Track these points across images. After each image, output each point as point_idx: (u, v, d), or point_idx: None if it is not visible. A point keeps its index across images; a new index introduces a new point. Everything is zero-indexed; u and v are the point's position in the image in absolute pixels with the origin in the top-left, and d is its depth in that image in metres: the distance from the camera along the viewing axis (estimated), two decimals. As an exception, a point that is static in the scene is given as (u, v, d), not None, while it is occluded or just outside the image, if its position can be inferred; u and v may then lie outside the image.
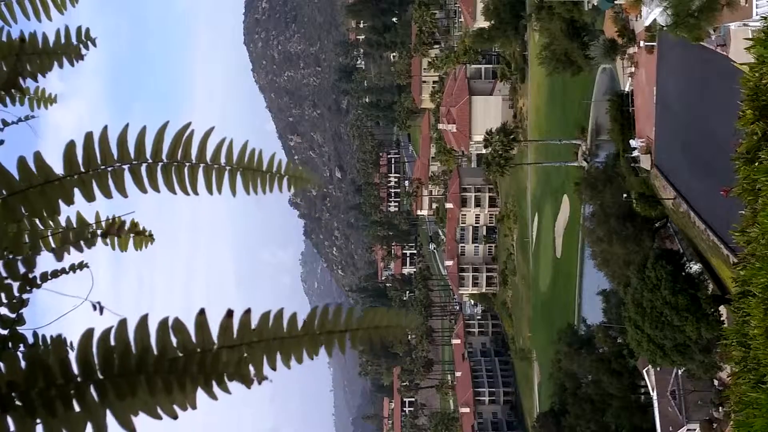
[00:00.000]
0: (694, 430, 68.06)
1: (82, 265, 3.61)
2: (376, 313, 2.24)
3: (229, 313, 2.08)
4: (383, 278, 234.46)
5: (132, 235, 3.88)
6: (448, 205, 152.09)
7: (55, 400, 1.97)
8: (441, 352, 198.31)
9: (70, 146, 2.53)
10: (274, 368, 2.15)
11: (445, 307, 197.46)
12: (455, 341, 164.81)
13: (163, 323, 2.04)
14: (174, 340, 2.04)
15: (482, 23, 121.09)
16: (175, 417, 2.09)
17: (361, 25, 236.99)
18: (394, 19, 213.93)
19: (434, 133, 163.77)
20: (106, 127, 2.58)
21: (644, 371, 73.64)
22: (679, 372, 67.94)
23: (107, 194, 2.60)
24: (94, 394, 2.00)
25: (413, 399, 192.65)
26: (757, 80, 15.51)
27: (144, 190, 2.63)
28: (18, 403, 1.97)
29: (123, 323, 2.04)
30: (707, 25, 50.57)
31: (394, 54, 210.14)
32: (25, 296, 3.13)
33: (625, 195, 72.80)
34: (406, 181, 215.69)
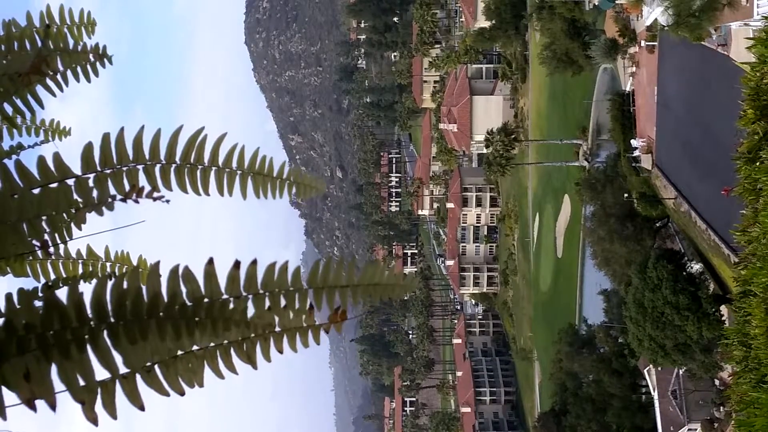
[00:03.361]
0: (695, 429, 68.03)
1: (92, 274, 3.73)
2: (376, 268, 2.32)
3: (237, 264, 2.19)
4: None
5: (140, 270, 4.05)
6: (449, 205, 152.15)
7: (69, 342, 2.07)
8: (442, 352, 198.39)
9: (88, 147, 2.65)
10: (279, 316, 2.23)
11: (446, 307, 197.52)
12: (456, 341, 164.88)
13: (174, 271, 2.14)
14: (183, 289, 2.15)
15: (483, 23, 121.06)
16: (182, 393, 2.17)
17: (362, 25, 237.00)
18: (395, 19, 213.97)
19: (435, 133, 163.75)
20: (122, 129, 2.68)
21: (645, 371, 73.64)
22: (680, 372, 67.94)
23: (122, 192, 2.73)
24: (107, 338, 2.10)
25: (414, 399, 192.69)
26: (758, 80, 15.51)
27: (157, 189, 2.76)
28: (34, 345, 2.06)
29: (135, 270, 2.14)
30: (708, 24, 50.55)
31: (395, 54, 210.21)
32: (36, 303, 3.16)
33: (626, 195, 72.77)
34: (408, 180, 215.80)
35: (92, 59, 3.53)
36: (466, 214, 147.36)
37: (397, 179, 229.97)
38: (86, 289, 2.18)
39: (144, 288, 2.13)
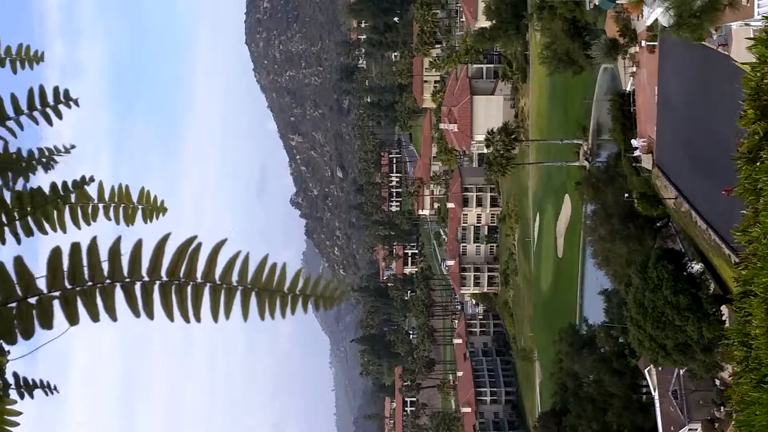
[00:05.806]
0: (696, 429, 68.00)
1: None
2: None
3: None
4: (385, 278, 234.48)
5: (140, 206, 3.59)
6: (450, 205, 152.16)
7: None
8: (442, 352, 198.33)
9: (55, 255, 2.19)
10: None
11: (447, 307, 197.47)
12: (457, 341, 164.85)
13: None
14: None
15: (484, 23, 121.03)
16: None
17: (363, 25, 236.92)
18: (396, 19, 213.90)
19: (436, 133, 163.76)
20: (95, 238, 2.28)
21: (646, 371, 73.61)
22: (681, 372, 67.91)
23: (94, 316, 2.26)
24: None
25: (415, 399, 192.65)
26: (759, 80, 15.49)
27: (137, 314, 2.31)
28: None
29: None
30: (709, 24, 50.55)
31: (396, 54, 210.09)
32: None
33: (626, 195, 72.78)
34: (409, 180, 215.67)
35: (52, 103, 3.36)
36: (466, 214, 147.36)
37: (398, 179, 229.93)
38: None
39: None
